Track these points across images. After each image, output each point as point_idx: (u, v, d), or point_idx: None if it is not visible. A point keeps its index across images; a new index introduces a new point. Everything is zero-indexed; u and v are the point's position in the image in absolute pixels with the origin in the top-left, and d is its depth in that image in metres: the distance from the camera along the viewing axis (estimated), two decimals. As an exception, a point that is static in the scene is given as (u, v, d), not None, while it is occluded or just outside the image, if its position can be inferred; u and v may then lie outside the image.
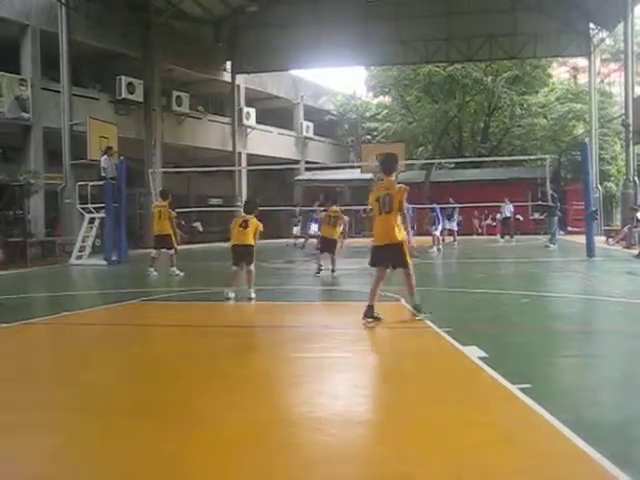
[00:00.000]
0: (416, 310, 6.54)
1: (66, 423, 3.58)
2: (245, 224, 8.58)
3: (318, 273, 11.75)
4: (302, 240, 22.41)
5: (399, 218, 6.43)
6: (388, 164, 6.84)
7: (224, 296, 8.40)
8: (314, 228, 20.64)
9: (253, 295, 8.46)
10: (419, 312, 6.50)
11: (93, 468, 2.97)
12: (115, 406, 3.88)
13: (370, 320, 6.33)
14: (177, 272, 12.00)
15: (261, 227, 8.66)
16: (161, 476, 2.84)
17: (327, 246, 11.88)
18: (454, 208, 21.15)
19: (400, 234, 6.40)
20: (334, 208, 12.15)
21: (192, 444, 3.14)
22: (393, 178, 6.70)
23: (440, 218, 18.78)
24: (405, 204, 6.47)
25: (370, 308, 6.36)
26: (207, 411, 3.73)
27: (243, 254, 8.56)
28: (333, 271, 11.66)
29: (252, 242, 8.56)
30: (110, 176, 16.37)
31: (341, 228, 12.17)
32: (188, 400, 3.96)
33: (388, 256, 6.48)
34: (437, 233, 18.48)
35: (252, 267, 8.61)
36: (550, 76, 35.56)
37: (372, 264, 6.66)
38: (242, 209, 9.30)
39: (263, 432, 3.34)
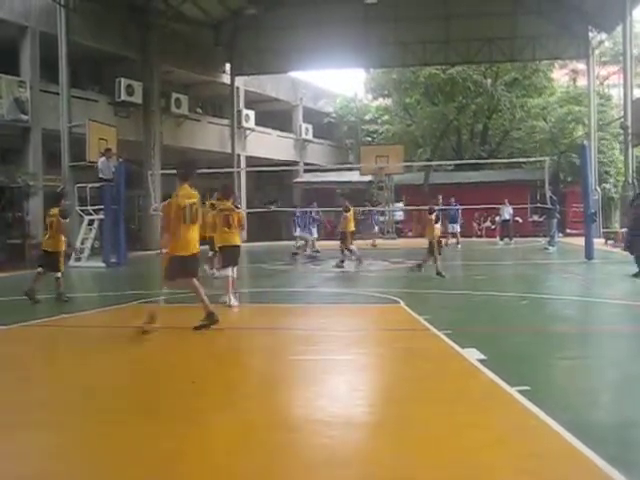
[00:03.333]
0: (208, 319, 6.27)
1: (65, 423, 3.58)
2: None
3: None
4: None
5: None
6: (186, 170, 6.43)
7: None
8: (314, 232, 19.40)
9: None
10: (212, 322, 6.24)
11: (92, 466, 2.98)
12: (113, 406, 3.87)
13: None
14: (216, 274, 11.53)
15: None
16: (159, 473, 2.85)
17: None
18: (457, 210, 21.23)
19: None
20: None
21: (190, 443, 3.14)
22: (186, 185, 6.27)
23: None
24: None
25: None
26: (205, 412, 3.73)
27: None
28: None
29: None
30: (106, 177, 16.33)
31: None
32: (186, 401, 3.95)
33: (191, 266, 6.25)
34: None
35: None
36: (551, 80, 35.58)
37: (194, 275, 6.25)
38: None
39: (261, 433, 3.34)
